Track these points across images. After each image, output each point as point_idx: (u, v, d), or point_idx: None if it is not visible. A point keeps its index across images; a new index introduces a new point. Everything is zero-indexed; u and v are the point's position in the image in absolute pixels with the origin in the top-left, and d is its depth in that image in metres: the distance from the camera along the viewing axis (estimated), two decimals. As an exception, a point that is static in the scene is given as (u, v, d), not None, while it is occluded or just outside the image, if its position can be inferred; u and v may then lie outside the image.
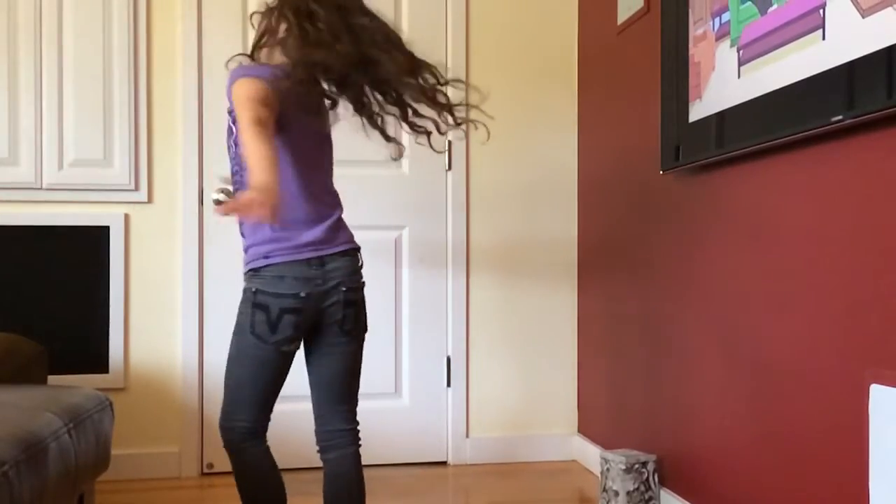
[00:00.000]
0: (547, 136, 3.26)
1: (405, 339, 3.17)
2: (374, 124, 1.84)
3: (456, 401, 3.19)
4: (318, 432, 1.87)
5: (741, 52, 1.92)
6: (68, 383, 2.57)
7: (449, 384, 3.19)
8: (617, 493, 2.46)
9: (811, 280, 1.77)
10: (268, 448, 1.83)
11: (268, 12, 1.80)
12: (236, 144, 1.75)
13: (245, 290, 1.78)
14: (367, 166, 3.06)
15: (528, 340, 3.24)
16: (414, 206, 3.17)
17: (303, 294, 1.74)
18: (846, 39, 1.55)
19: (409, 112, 1.83)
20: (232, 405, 1.79)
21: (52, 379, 2.64)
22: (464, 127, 1.88)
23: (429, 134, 1.83)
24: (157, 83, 3.01)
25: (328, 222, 1.80)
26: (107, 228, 2.95)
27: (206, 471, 3.01)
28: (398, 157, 1.95)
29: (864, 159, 1.59)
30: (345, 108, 1.85)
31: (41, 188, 2.91)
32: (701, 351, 2.27)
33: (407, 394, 3.17)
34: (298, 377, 1.85)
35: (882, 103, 1.46)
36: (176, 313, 3.01)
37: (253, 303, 1.75)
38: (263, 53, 1.82)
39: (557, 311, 3.26)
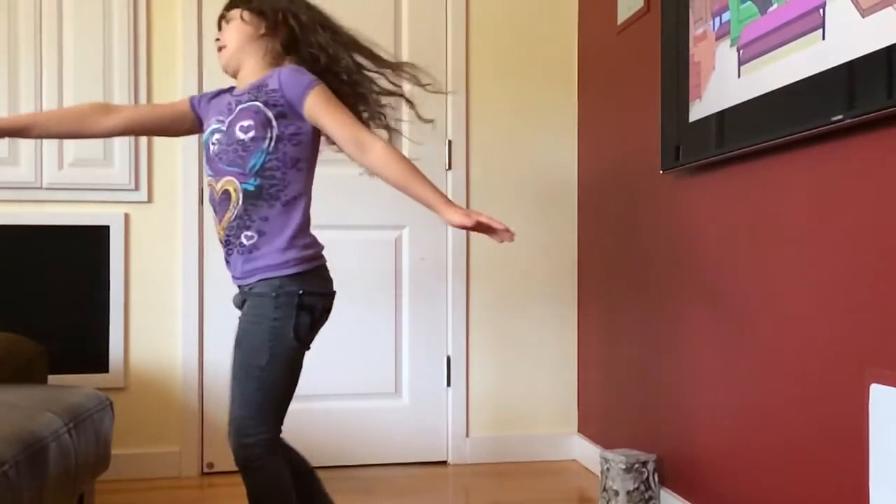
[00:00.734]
0: (547, 135, 3.26)
1: (405, 339, 3.17)
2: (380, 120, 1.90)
3: (456, 400, 3.19)
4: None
5: (741, 51, 1.92)
6: (68, 383, 2.57)
7: (449, 384, 3.19)
8: (617, 493, 2.46)
9: (811, 280, 1.76)
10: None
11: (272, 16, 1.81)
12: (273, 140, 1.73)
13: (280, 295, 1.70)
14: (368, 166, 3.06)
15: (527, 340, 3.24)
16: (414, 206, 3.10)
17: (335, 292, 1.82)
18: (846, 39, 1.55)
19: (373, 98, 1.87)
20: (258, 417, 1.69)
21: (53, 379, 2.64)
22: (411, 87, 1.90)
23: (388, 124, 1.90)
24: (157, 83, 3.00)
25: None
26: (107, 228, 2.95)
27: (206, 470, 3.01)
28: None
29: (864, 159, 1.59)
30: None
31: (41, 188, 2.91)
32: (701, 350, 2.27)
33: (407, 393, 3.17)
34: (301, 378, 1.84)
35: (882, 103, 1.46)
36: (176, 313, 3.01)
37: (298, 304, 1.70)
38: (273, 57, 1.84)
39: (557, 311, 3.26)
